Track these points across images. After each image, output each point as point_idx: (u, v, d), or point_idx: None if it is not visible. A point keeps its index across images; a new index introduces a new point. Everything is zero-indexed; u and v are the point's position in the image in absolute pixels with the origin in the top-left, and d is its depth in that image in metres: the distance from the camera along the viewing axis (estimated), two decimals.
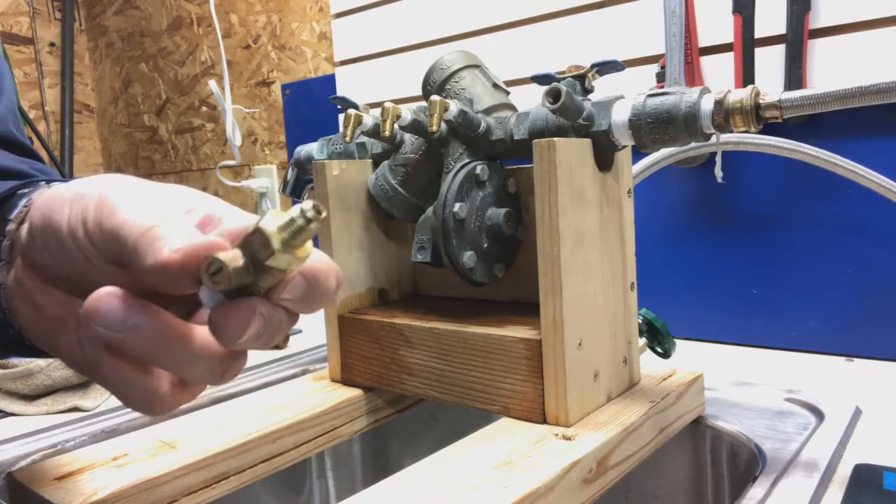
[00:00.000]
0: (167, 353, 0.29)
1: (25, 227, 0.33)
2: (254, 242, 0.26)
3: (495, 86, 0.55)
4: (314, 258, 0.29)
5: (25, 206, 0.35)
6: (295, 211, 0.26)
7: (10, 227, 0.34)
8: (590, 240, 0.47)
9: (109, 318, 0.28)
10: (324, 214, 0.26)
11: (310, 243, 0.27)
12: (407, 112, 0.51)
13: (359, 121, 0.54)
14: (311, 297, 0.29)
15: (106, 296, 0.28)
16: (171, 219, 0.30)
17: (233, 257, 0.26)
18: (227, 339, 0.28)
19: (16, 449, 0.58)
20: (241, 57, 1.45)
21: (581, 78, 0.49)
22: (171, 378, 0.31)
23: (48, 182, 0.38)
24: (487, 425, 0.47)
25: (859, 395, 0.60)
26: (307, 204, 0.26)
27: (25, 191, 0.36)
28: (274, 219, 0.26)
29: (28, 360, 0.69)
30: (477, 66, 0.56)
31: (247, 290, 0.28)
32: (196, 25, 1.57)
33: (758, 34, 0.74)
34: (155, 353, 0.29)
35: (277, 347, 0.32)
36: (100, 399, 0.69)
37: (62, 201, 0.32)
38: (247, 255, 0.26)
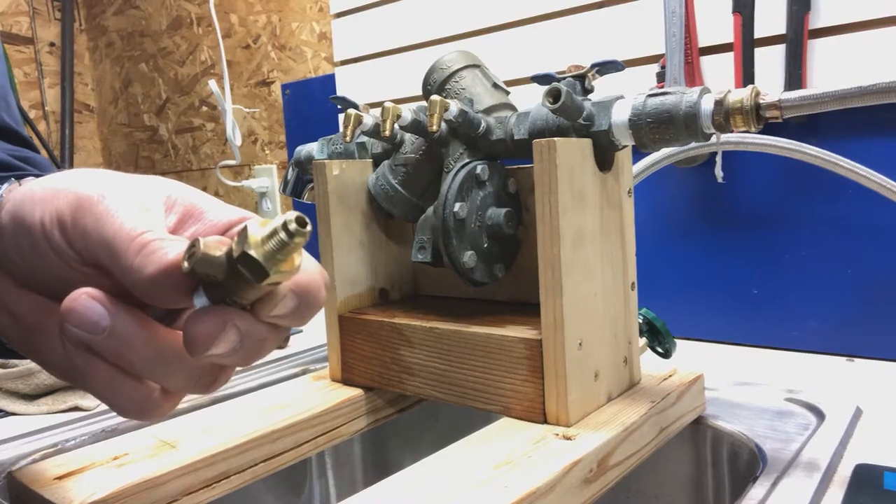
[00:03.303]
0: (143, 359, 0.28)
1: None
2: (239, 262, 0.24)
3: (495, 86, 0.55)
4: (304, 267, 0.27)
5: None
6: (278, 222, 0.24)
7: None
8: (590, 240, 0.47)
9: (84, 318, 0.27)
10: (308, 228, 0.24)
11: (298, 256, 0.25)
12: (407, 112, 0.51)
13: (359, 121, 0.54)
14: (301, 312, 0.28)
15: (82, 296, 0.27)
16: (161, 222, 0.28)
17: (214, 245, 0.25)
18: (193, 346, 0.26)
19: (16, 449, 0.58)
20: (241, 57, 1.45)
21: (581, 78, 0.49)
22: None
23: (19, 179, 0.35)
24: (487, 425, 0.47)
25: (860, 395, 0.60)
26: (290, 215, 0.24)
27: None
28: (258, 229, 0.24)
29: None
30: (477, 66, 0.56)
31: (231, 303, 0.26)
32: (196, 25, 1.57)
33: (758, 34, 0.74)
34: (131, 357, 0.27)
35: (279, 347, 0.31)
36: None
37: (32, 201, 0.30)
38: (228, 261, 0.25)
